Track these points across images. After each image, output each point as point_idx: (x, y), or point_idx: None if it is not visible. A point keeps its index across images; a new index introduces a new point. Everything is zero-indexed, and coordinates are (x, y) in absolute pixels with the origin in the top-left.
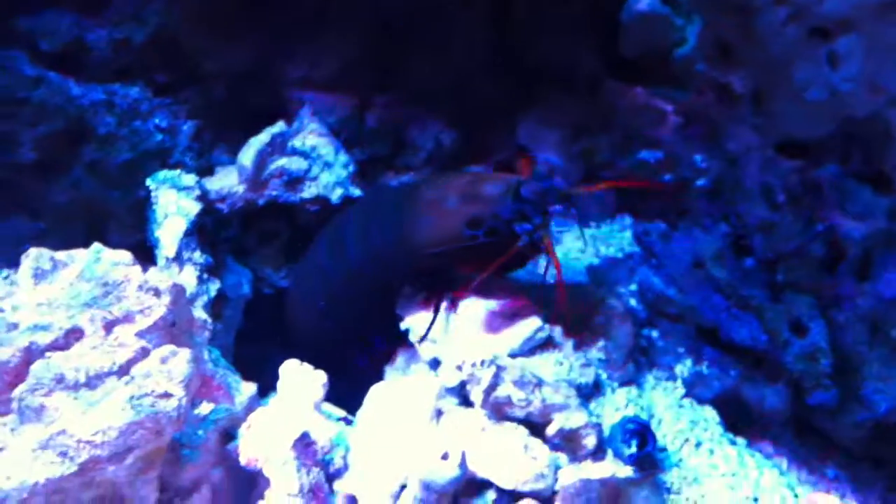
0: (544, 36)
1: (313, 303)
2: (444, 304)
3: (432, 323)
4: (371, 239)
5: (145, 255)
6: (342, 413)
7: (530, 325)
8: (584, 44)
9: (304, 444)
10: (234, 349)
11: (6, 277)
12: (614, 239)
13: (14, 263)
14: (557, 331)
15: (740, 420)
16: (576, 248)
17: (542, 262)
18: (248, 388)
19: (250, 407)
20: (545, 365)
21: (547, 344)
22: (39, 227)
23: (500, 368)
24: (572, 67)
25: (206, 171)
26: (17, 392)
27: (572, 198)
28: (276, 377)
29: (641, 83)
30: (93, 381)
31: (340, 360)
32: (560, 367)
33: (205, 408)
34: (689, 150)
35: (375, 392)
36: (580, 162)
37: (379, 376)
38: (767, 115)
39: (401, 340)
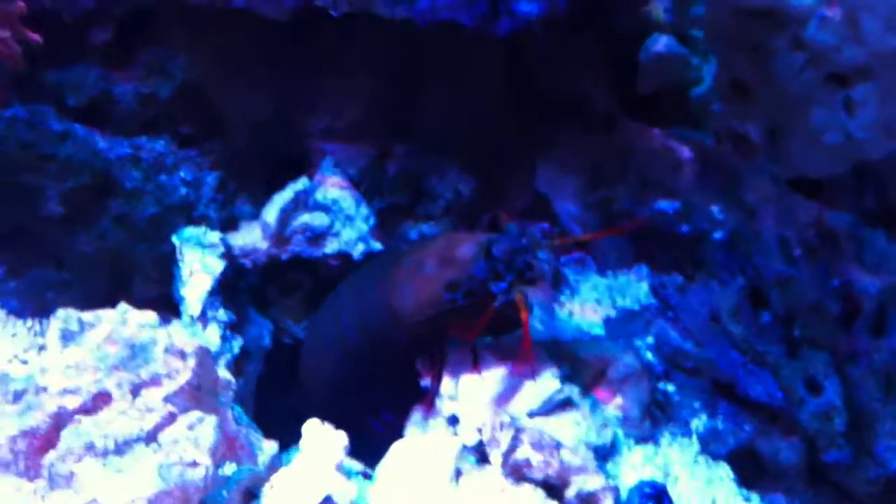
0: (560, 74)
1: (320, 372)
2: (444, 371)
3: (434, 395)
4: (360, 311)
5: (168, 305)
6: (361, 467)
7: (549, 386)
8: (599, 81)
9: None
10: (254, 400)
11: (30, 327)
12: (631, 290)
13: (38, 311)
14: (576, 391)
15: (754, 473)
16: (592, 298)
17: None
18: (270, 447)
19: (272, 465)
20: (564, 425)
21: (566, 404)
22: (64, 278)
23: (518, 431)
24: (588, 105)
25: (229, 221)
26: (47, 459)
27: (549, 251)
28: (295, 426)
29: (658, 123)
30: (121, 448)
31: (355, 422)
32: (578, 427)
33: (228, 468)
34: (707, 200)
35: (396, 450)
36: (598, 211)
37: (395, 438)
38: (782, 155)
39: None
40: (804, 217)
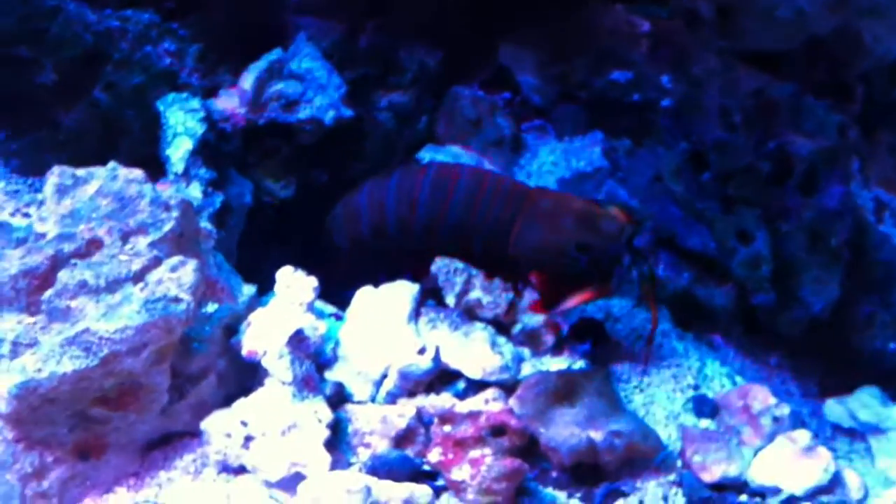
0: None
1: (356, 230)
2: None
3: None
4: (411, 212)
5: (156, 166)
6: (333, 309)
7: None
8: None
9: (297, 339)
10: (236, 253)
11: (31, 185)
12: (585, 153)
13: (36, 171)
14: None
15: (692, 316)
16: (549, 162)
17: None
18: (248, 290)
19: (251, 306)
20: None
21: None
22: (59, 139)
23: (471, 275)
24: None
25: (210, 90)
26: (46, 295)
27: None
28: (273, 276)
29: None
30: (112, 286)
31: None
32: None
33: (211, 307)
34: (658, 71)
35: (362, 293)
36: (557, 83)
37: None
38: (736, 31)
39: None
40: (745, 88)
